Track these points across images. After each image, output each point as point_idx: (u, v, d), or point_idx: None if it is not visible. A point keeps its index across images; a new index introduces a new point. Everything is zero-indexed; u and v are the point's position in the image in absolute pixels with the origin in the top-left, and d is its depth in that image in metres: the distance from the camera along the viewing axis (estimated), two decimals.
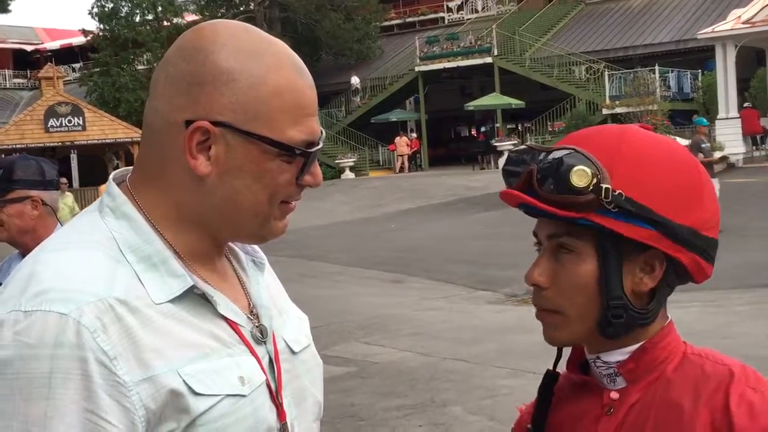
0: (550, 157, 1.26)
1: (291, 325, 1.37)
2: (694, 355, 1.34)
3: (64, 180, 16.35)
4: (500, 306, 11.83)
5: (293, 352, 1.33)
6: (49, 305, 1.09)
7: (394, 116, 39.59)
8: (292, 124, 1.21)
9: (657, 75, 30.95)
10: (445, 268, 14.83)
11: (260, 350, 1.26)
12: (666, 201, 1.26)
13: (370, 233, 20.14)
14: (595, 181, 1.23)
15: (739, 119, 26.93)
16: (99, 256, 1.17)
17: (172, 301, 1.18)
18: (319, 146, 1.25)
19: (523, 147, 1.35)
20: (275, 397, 1.25)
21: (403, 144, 37.05)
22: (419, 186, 28.70)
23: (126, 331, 1.12)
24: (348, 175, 35.35)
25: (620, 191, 1.24)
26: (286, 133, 1.20)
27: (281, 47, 1.25)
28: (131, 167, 1.32)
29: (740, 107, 27.44)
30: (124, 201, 1.23)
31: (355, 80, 40.48)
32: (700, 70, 32.59)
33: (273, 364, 1.27)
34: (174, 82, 1.20)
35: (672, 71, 32.51)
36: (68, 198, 15.86)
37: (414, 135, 39.37)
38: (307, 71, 1.27)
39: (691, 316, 9.39)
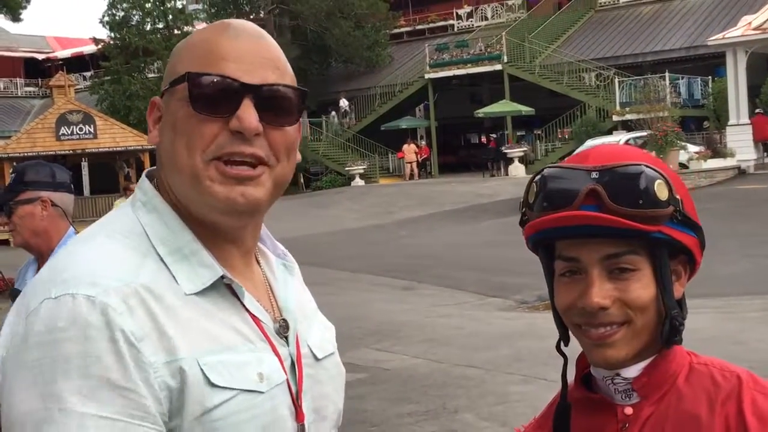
0: (617, 173, 1.26)
1: (316, 332, 1.38)
2: (701, 365, 1.35)
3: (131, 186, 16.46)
4: (511, 313, 11.82)
5: (316, 359, 1.34)
6: (75, 289, 1.12)
7: (404, 123, 39.60)
8: (198, 65, 1.22)
9: (667, 81, 30.90)
10: (456, 275, 14.83)
11: (283, 352, 1.26)
12: (691, 208, 1.32)
13: (381, 240, 20.14)
14: (670, 192, 1.26)
15: (750, 126, 26.85)
16: (125, 246, 1.19)
17: (199, 293, 1.19)
18: (230, 81, 1.19)
19: (556, 166, 1.32)
20: (294, 399, 1.25)
21: (411, 151, 37.05)
22: (429, 193, 28.69)
23: (150, 316, 1.13)
24: (358, 182, 35.37)
25: (682, 200, 1.29)
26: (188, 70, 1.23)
27: (234, 21, 1.27)
28: None
29: (751, 114, 27.36)
30: (154, 195, 1.27)
31: (344, 103, 40.48)
32: (710, 77, 32.50)
33: (295, 366, 1.27)
34: (166, 74, 1.31)
35: (682, 78, 32.44)
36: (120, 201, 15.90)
37: (424, 142, 39.37)
38: (250, 35, 1.24)
39: (702, 323, 9.36)
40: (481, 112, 36.13)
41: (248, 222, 1.28)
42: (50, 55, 57.49)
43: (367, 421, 7.02)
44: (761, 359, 7.37)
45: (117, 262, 1.16)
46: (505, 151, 33.45)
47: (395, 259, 17.07)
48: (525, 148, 33.89)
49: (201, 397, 1.14)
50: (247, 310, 1.24)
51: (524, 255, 1.44)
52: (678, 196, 1.28)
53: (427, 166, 38.62)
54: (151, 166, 1.38)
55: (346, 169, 36.21)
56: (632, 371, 1.34)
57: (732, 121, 27.20)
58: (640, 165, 1.27)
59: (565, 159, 1.40)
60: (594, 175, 1.26)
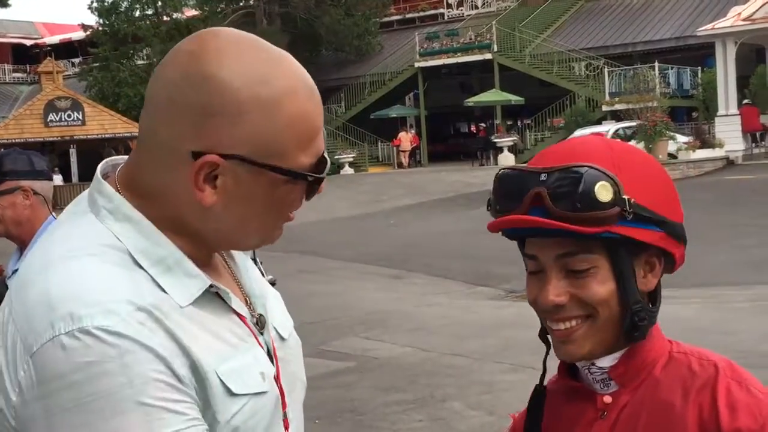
0: (560, 176, 1.26)
1: (276, 310, 1.36)
2: (680, 354, 1.36)
3: None
4: (500, 302, 11.85)
5: (282, 339, 1.33)
6: (90, 321, 1.05)
7: (393, 112, 39.58)
8: (302, 151, 1.17)
9: (657, 72, 30.92)
10: (445, 264, 14.85)
11: (261, 341, 1.25)
12: (661, 201, 1.31)
13: (370, 229, 20.15)
14: (616, 194, 1.25)
15: (739, 116, 26.93)
16: (113, 263, 1.13)
17: (192, 303, 1.16)
18: (328, 164, 1.22)
19: (512, 168, 1.34)
20: (280, 387, 1.25)
21: (407, 140, 37.06)
22: (418, 182, 28.69)
23: (168, 334, 1.10)
24: (347, 170, 35.35)
25: (633, 199, 1.27)
26: (297, 160, 1.16)
27: (290, 64, 1.19)
28: (115, 158, 1.28)
29: (740, 104, 27.44)
30: (122, 202, 1.18)
31: None
32: (699, 67, 32.58)
33: (272, 354, 1.27)
34: (178, 109, 1.13)
35: (672, 68, 32.51)
36: None
37: (413, 131, 39.36)
38: (316, 89, 1.22)
39: (692, 313, 9.41)
40: (471, 101, 36.14)
41: None
42: (38, 41, 57.22)
43: (355, 409, 7.03)
44: (749, 349, 7.41)
45: (116, 283, 1.10)
46: (495, 140, 33.47)
47: (384, 248, 17.08)
48: (514, 138, 33.91)
49: (223, 407, 1.13)
50: (234, 310, 1.23)
51: (512, 245, 1.45)
52: (626, 196, 1.26)
53: (417, 154, 38.62)
54: None
55: (336, 157, 36.16)
56: (607, 361, 1.35)
57: (721, 111, 27.26)
58: (583, 166, 1.26)
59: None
60: (543, 177, 1.27)
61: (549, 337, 1.39)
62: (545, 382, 1.46)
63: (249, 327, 1.24)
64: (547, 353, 1.43)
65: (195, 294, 1.16)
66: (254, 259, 13.19)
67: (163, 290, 1.13)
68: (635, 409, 1.33)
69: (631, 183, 1.28)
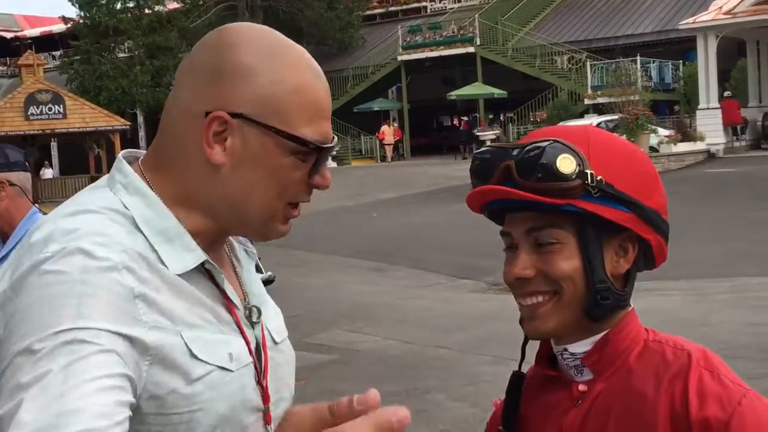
0: (527, 149, 1.31)
1: (271, 317, 1.40)
2: (655, 342, 1.37)
3: None
4: (482, 294, 11.89)
5: (275, 342, 1.36)
6: (78, 241, 1.12)
7: (376, 105, 39.57)
8: (307, 122, 1.24)
9: (638, 65, 31.05)
10: (428, 256, 14.88)
11: (250, 335, 1.28)
12: (635, 185, 1.34)
13: (352, 222, 20.15)
14: (579, 167, 1.29)
15: (720, 110, 27.07)
16: (113, 221, 1.19)
17: (182, 274, 1.20)
18: (333, 146, 1.29)
19: (488, 147, 1.39)
20: (261, 381, 1.27)
21: (390, 133, 37.04)
22: (401, 175, 28.71)
23: (145, 281, 1.14)
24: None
25: (601, 177, 1.30)
26: (300, 129, 1.23)
27: (301, 50, 1.29)
28: (138, 150, 1.35)
29: (721, 98, 27.58)
30: (136, 178, 1.26)
31: None
32: (681, 61, 32.72)
33: (260, 349, 1.30)
34: (197, 73, 1.24)
35: (653, 62, 32.62)
36: None
37: (396, 124, 39.35)
38: (324, 77, 1.30)
39: (672, 305, 9.47)
40: (454, 94, 36.17)
41: None
42: (19, 34, 56.74)
43: None
44: (729, 341, 7.48)
45: (113, 230, 1.17)
46: (478, 133, 33.51)
47: (367, 241, 17.10)
48: (497, 131, 33.96)
49: (185, 367, 1.15)
50: (223, 294, 1.26)
51: (495, 237, 1.47)
52: (590, 171, 1.30)
53: (400, 148, 38.62)
54: (122, 147, 1.32)
55: None
56: (579, 346, 1.37)
57: (702, 105, 27.39)
58: (548, 140, 1.31)
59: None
60: (514, 152, 1.32)
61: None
62: (524, 370, 1.48)
63: (236, 316, 1.27)
64: (526, 340, 1.46)
65: (189, 265, 1.21)
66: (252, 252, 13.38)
67: (159, 257, 1.19)
68: (608, 398, 1.35)
69: (601, 161, 1.32)
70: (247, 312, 1.30)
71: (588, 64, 33.06)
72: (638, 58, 31.50)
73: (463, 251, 14.77)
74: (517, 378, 1.46)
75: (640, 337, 1.38)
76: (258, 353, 1.29)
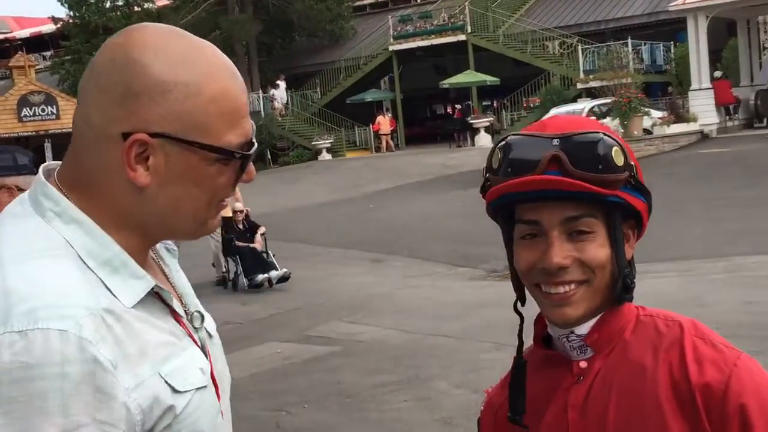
0: (577, 140, 1.35)
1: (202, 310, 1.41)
2: (647, 317, 1.45)
3: None
4: (481, 282, 11.94)
5: (210, 336, 1.38)
6: (45, 323, 1.08)
7: (369, 96, 39.48)
8: (228, 129, 1.22)
9: (630, 48, 31.03)
10: (426, 246, 14.92)
11: (197, 339, 1.31)
12: (640, 174, 1.41)
13: (349, 214, 20.17)
14: (625, 159, 1.36)
15: (712, 90, 27.08)
16: (67, 264, 1.16)
17: (136, 304, 1.19)
18: (255, 146, 1.27)
19: (518, 135, 1.41)
20: (214, 381, 1.30)
21: (386, 123, 36.95)
22: (396, 165, 28.71)
23: (116, 340, 1.13)
24: (325, 156, 35.27)
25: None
26: (223, 138, 1.21)
27: (213, 51, 1.25)
28: (51, 162, 1.32)
29: (713, 78, 27.59)
30: (68, 204, 1.21)
31: (278, 92, 39.17)
32: (672, 42, 32.71)
33: (206, 350, 1.32)
34: (107, 94, 1.20)
35: (645, 44, 32.60)
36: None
37: (390, 114, 39.29)
38: (239, 74, 1.28)
39: (668, 286, 9.52)
40: (446, 82, 36.11)
41: None
42: (8, 35, 56.54)
43: (342, 392, 7.10)
44: (725, 320, 7.53)
45: (69, 284, 1.13)
46: (471, 121, 33.50)
47: (365, 232, 17.12)
48: (491, 118, 33.95)
49: (170, 405, 1.17)
50: (173, 310, 1.27)
51: (492, 225, 1.51)
52: (632, 163, 1.38)
53: (394, 138, 38.57)
54: None
55: (313, 143, 36.07)
56: (585, 328, 1.43)
57: (694, 86, 27.39)
58: (598, 133, 1.36)
59: (521, 129, 1.47)
60: (555, 142, 1.35)
61: (532, 305, 1.46)
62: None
63: (184, 326, 1.29)
64: (522, 325, 1.51)
65: (140, 294, 1.20)
66: (266, 252, 13.08)
67: (110, 291, 1.17)
68: (609, 371, 1.41)
69: (628, 153, 1.39)
70: (189, 317, 1.32)
71: (579, 48, 33.02)
72: (629, 40, 31.47)
73: (460, 239, 14.82)
74: (520, 364, 1.49)
75: (632, 314, 1.45)
76: (205, 354, 1.31)
